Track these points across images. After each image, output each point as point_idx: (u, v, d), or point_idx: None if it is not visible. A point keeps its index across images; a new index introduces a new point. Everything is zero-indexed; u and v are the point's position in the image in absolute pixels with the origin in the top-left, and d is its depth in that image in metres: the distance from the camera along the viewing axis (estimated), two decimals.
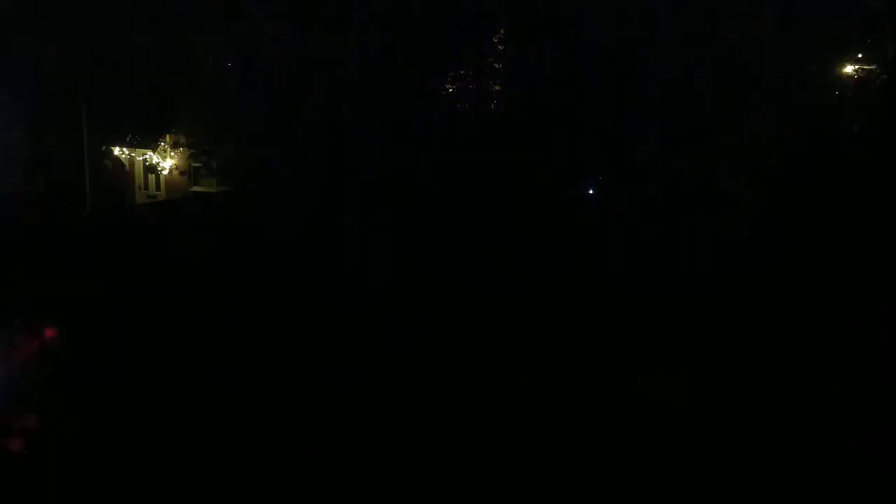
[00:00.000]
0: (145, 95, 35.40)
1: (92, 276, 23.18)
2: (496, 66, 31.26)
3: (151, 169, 37.15)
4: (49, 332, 20.83)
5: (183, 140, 35.65)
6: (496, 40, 31.16)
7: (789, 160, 28.96)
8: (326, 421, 16.27)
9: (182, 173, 36.47)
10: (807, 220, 25.69)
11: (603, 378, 17.20)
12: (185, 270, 23.88)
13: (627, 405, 16.09)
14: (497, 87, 31.42)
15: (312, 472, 14.61)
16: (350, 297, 22.48)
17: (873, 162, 26.31)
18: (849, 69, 31.15)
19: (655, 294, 22.04)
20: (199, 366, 18.57)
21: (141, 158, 37.38)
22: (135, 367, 18.69)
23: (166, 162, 36.58)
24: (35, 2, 36.24)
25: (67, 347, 20.17)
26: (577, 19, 28.32)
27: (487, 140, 28.91)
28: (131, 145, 36.93)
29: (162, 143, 36.48)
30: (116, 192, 37.49)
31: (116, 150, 37.29)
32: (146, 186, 37.80)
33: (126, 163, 37.63)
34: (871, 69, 29.98)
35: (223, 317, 21.00)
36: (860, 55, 30.55)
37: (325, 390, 17.62)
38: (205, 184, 36.21)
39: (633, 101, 27.91)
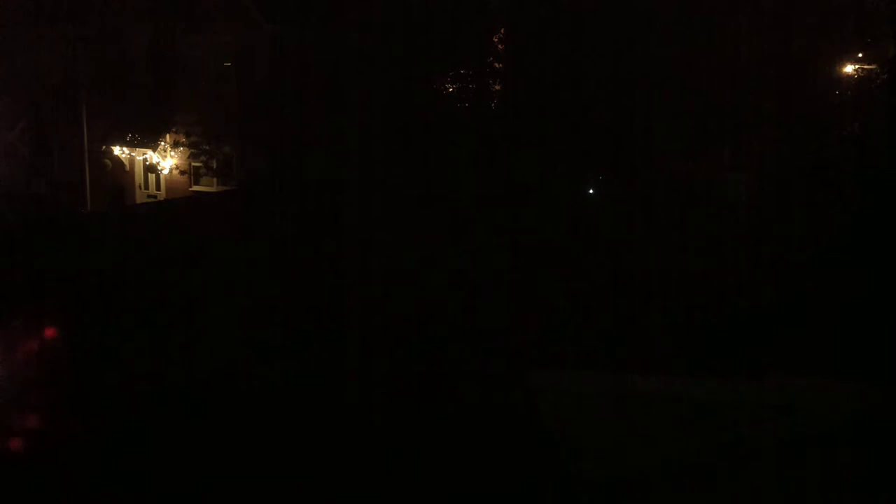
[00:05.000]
0: (145, 95, 35.45)
1: (92, 275, 23.19)
2: (496, 65, 31.27)
3: (151, 169, 37.14)
4: (49, 332, 20.83)
5: (183, 140, 35.66)
6: (496, 40, 31.17)
7: (790, 160, 28.95)
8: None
9: (182, 173, 36.46)
10: (806, 219, 25.68)
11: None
12: (184, 268, 23.87)
13: None
14: (497, 87, 31.44)
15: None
16: (348, 297, 22.46)
17: (874, 161, 26.26)
18: (849, 69, 31.16)
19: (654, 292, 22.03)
20: (199, 364, 18.56)
21: (141, 158, 37.38)
22: (135, 365, 18.69)
23: (166, 162, 36.57)
24: (36, 3, 36.26)
25: (67, 347, 20.18)
26: (577, 19, 28.32)
27: (487, 139, 28.91)
28: (131, 145, 36.92)
29: (162, 143, 36.47)
30: (116, 191, 37.50)
31: (116, 150, 37.29)
32: (146, 186, 37.79)
33: (126, 163, 37.63)
34: (871, 69, 29.97)
35: (223, 315, 21.00)
36: (860, 55, 30.56)
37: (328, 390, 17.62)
38: (205, 183, 36.20)
39: (633, 100, 27.90)
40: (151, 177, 37.53)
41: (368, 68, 29.36)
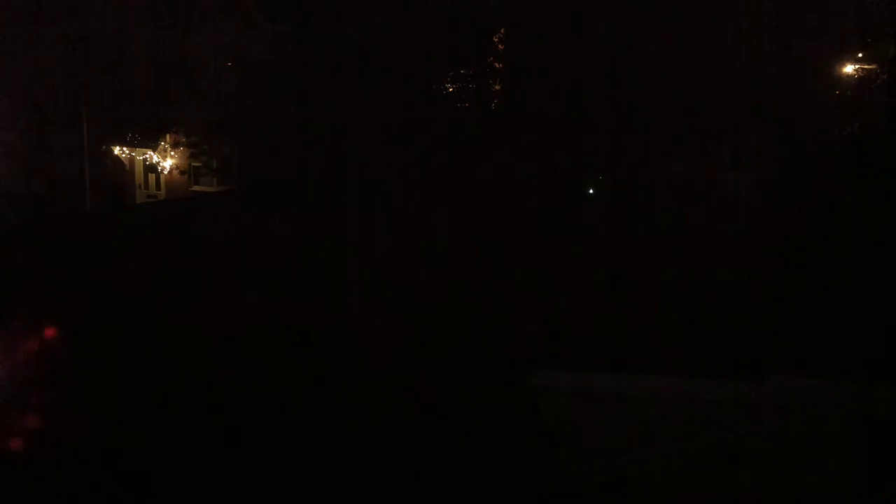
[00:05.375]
0: (145, 95, 35.48)
1: (92, 275, 23.16)
2: (496, 65, 31.28)
3: (151, 169, 37.14)
4: (49, 332, 20.81)
5: (183, 140, 35.67)
6: (496, 40, 31.18)
7: (790, 160, 28.93)
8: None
9: (182, 173, 36.46)
10: (806, 219, 25.67)
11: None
12: (184, 268, 23.87)
13: None
14: (497, 87, 31.45)
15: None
16: (348, 296, 22.46)
17: (874, 161, 26.27)
18: (849, 69, 31.16)
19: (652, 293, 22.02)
20: (198, 364, 18.54)
21: (141, 158, 37.37)
22: (135, 365, 18.68)
23: (166, 162, 36.57)
24: (36, 3, 36.28)
25: (68, 347, 20.16)
26: (577, 19, 28.32)
27: (487, 139, 28.91)
28: (131, 145, 36.92)
29: (162, 143, 36.47)
30: (116, 191, 37.51)
31: (116, 150, 37.29)
32: (146, 186, 37.80)
33: (126, 163, 37.63)
34: (871, 69, 29.99)
35: (223, 314, 20.97)
36: (860, 55, 30.57)
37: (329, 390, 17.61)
38: (205, 183, 36.21)
39: (633, 100, 27.90)
40: (151, 177, 37.54)
41: (368, 68, 29.36)
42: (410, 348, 19.27)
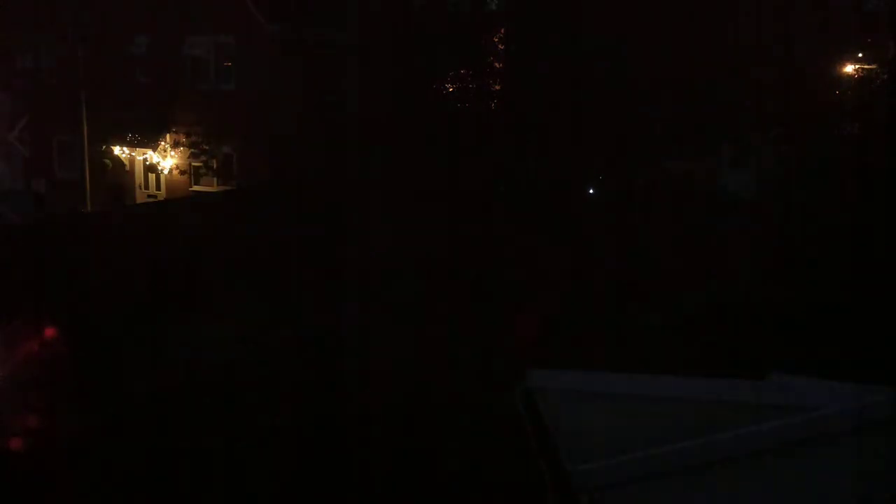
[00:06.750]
0: (145, 95, 35.48)
1: (92, 275, 23.18)
2: (496, 65, 31.28)
3: (151, 169, 37.15)
4: (49, 332, 20.82)
5: (183, 140, 35.67)
6: (496, 40, 31.18)
7: (790, 160, 28.94)
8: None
9: (182, 173, 36.47)
10: (806, 219, 25.69)
11: None
12: (184, 268, 23.88)
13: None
14: (497, 87, 31.45)
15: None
16: (347, 296, 22.48)
17: (874, 161, 26.28)
18: (849, 69, 31.18)
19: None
20: (198, 364, 18.56)
21: (141, 158, 37.38)
22: (134, 365, 18.70)
23: (166, 162, 36.57)
24: (36, 2, 36.29)
25: (68, 347, 20.18)
26: (577, 19, 28.33)
27: (487, 139, 28.91)
28: (131, 145, 36.93)
29: (162, 143, 36.47)
30: (116, 191, 37.52)
31: (116, 150, 37.30)
32: (146, 186, 37.81)
33: (126, 163, 37.64)
34: (871, 69, 30.01)
35: (223, 314, 21.00)
36: (860, 55, 30.58)
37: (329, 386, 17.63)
38: (205, 184, 36.22)
39: (634, 100, 27.91)
40: (151, 177, 37.55)
41: (368, 68, 29.36)
42: (409, 346, 19.29)
